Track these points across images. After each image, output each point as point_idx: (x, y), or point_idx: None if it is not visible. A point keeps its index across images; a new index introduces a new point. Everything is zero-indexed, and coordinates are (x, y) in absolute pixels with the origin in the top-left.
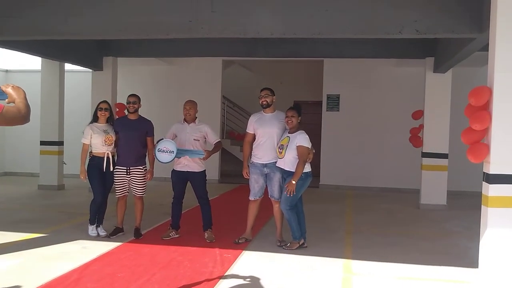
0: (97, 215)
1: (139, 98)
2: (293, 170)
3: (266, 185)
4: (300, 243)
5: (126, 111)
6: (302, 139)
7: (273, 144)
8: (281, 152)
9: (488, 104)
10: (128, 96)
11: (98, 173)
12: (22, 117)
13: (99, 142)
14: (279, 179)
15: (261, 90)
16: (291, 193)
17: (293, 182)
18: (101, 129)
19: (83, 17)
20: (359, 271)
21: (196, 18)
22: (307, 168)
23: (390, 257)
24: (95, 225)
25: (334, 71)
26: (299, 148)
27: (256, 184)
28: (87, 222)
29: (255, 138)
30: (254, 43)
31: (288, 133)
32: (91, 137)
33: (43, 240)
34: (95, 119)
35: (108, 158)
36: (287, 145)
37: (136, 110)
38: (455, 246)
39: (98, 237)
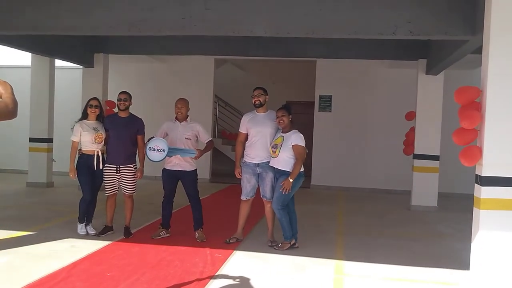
0: (86, 213)
1: (130, 96)
2: (286, 169)
3: (258, 185)
4: (291, 244)
5: (116, 109)
6: (297, 138)
7: (266, 144)
8: (275, 152)
9: (481, 105)
10: (119, 93)
11: (87, 171)
12: (9, 112)
13: (89, 140)
14: (271, 179)
15: (254, 90)
16: (287, 191)
17: (290, 180)
18: (91, 126)
19: (74, 13)
20: (350, 272)
21: (189, 16)
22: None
23: (381, 258)
24: (84, 223)
25: (326, 72)
26: (295, 147)
27: (248, 184)
28: (76, 220)
29: (247, 138)
30: (247, 42)
31: (282, 132)
32: (80, 135)
33: (31, 238)
34: (84, 116)
35: (98, 156)
36: (281, 145)
37: (127, 108)
38: (446, 247)
39: (87, 236)
